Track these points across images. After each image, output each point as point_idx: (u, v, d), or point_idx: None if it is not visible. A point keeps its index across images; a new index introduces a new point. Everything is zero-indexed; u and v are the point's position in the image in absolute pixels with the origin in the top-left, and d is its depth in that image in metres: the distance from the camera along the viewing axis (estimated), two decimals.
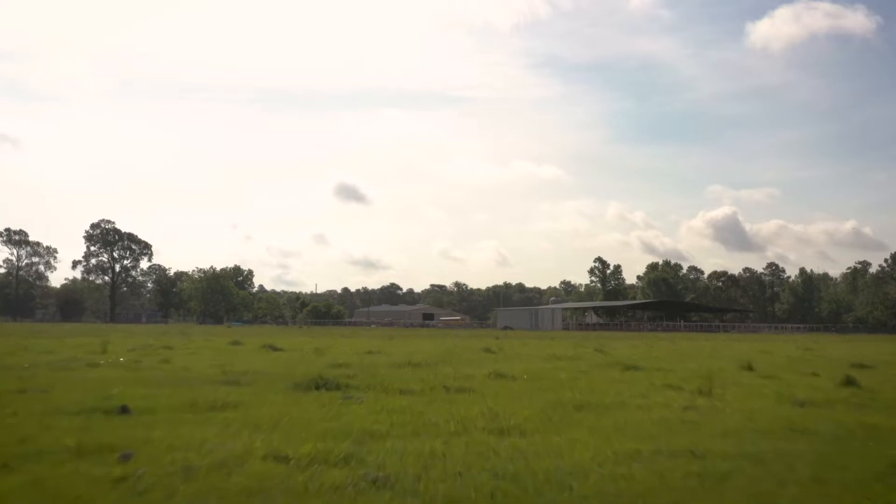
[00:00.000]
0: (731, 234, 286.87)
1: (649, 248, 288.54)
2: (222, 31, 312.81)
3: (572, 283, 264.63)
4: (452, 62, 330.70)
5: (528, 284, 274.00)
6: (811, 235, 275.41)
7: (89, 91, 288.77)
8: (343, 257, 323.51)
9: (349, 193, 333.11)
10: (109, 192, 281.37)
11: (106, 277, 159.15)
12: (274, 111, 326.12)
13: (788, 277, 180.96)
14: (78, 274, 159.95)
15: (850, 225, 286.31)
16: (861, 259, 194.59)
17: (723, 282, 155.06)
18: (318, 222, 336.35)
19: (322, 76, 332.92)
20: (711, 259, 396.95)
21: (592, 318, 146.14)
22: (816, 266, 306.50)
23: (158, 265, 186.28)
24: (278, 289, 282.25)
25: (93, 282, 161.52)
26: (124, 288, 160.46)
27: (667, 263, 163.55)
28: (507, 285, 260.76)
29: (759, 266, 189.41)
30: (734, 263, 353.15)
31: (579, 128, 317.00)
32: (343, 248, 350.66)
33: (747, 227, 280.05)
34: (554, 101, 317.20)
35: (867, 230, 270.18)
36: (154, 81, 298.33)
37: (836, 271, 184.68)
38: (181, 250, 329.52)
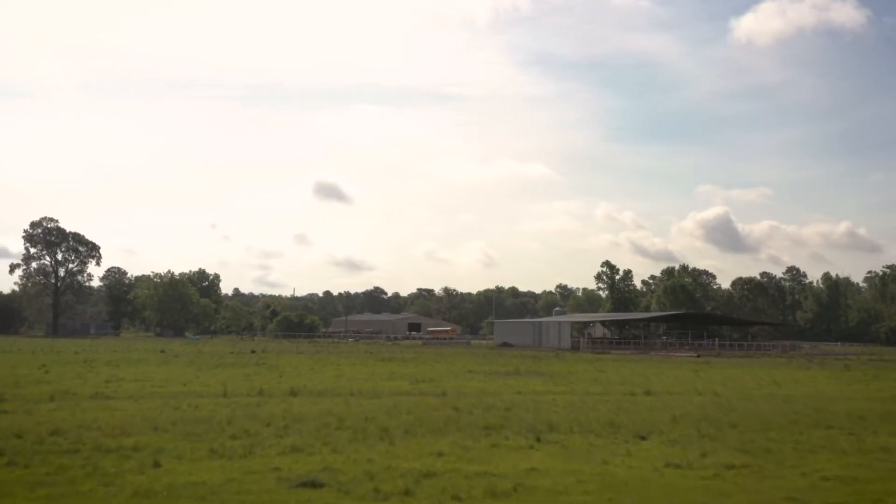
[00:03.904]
0: (723, 234, 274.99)
1: (640, 250, 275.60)
2: (199, 28, 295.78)
3: (569, 286, 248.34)
4: (440, 59, 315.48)
5: (521, 288, 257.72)
6: (805, 237, 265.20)
7: (62, 88, 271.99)
8: (326, 258, 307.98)
9: (330, 192, 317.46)
10: (83, 191, 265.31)
11: (51, 282, 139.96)
12: (254, 108, 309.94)
13: (810, 283, 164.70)
14: (17, 279, 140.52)
15: (844, 226, 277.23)
16: (855, 260, 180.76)
17: (748, 290, 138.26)
18: (299, 222, 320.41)
19: (303, 73, 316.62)
20: (704, 261, 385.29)
21: (598, 331, 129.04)
22: (810, 267, 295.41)
23: (117, 268, 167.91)
24: (259, 291, 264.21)
25: (38, 283, 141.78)
26: (69, 294, 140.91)
27: (684, 269, 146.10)
28: (499, 289, 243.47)
29: (754, 268, 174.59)
30: (727, 265, 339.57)
31: (569, 127, 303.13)
32: (326, 248, 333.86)
33: (739, 227, 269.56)
34: (544, 100, 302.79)
35: (862, 231, 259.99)
36: (129, 79, 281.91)
37: (833, 274, 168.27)
38: (157, 252, 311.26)
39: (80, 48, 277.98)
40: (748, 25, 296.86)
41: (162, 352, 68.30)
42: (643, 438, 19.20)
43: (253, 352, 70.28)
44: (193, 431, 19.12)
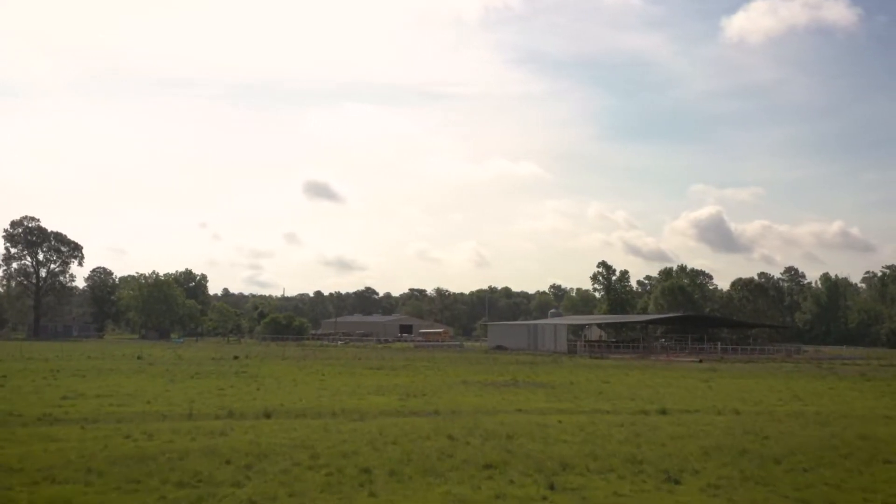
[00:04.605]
0: (715, 234, 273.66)
1: (632, 249, 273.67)
2: (188, 27, 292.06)
3: (562, 286, 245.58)
4: (431, 58, 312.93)
5: (514, 288, 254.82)
6: (797, 236, 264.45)
7: (51, 88, 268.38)
8: (316, 258, 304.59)
9: (321, 191, 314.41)
10: (73, 190, 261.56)
11: (32, 283, 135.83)
12: (245, 107, 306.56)
13: (809, 283, 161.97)
14: None
15: (836, 226, 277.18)
16: (848, 260, 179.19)
17: (749, 291, 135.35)
18: (290, 221, 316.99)
19: (294, 72, 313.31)
20: (697, 260, 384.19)
21: (595, 333, 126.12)
22: (803, 267, 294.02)
23: (102, 268, 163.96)
24: (250, 291, 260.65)
25: (19, 284, 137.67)
26: (51, 296, 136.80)
27: (682, 269, 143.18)
28: (491, 290, 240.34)
29: (746, 268, 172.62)
30: (719, 265, 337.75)
31: (561, 125, 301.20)
32: (317, 248, 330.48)
33: (732, 227, 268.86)
34: (536, 98, 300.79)
35: (855, 230, 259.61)
36: (118, 79, 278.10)
37: (819, 273, 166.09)
38: (147, 252, 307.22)
39: (73, 48, 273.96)
40: (740, 24, 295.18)
41: (139, 358, 64.88)
42: (676, 482, 15.98)
43: (236, 357, 66.90)
44: (134, 476, 15.79)
